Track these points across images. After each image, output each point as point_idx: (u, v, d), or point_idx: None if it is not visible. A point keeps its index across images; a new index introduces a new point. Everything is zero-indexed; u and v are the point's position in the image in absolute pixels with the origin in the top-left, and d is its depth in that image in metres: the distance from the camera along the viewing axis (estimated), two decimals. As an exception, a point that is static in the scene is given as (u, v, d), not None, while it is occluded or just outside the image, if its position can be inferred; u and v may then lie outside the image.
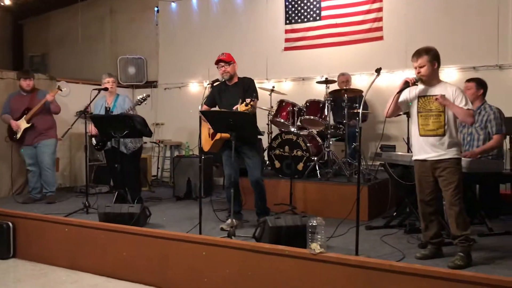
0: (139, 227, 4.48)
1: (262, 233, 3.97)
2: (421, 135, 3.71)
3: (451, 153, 3.58)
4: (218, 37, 8.18)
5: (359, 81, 6.87)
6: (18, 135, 6.09)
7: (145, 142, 6.44)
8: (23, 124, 6.05)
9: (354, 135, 6.15)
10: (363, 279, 3.30)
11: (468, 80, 4.78)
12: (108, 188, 7.09)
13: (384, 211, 5.39)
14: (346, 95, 5.84)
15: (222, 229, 4.62)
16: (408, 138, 5.58)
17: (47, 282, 4.42)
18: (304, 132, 6.03)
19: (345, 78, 6.50)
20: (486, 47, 6.12)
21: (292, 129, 5.92)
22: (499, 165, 4.52)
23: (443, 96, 3.57)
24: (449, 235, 3.80)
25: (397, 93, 3.71)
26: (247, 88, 4.72)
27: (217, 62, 4.81)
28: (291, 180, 5.31)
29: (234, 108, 4.49)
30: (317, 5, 7.32)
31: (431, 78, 3.66)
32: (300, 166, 5.73)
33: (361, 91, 5.95)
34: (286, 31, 7.60)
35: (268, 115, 6.52)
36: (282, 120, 6.04)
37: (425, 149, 3.68)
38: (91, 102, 5.60)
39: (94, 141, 5.85)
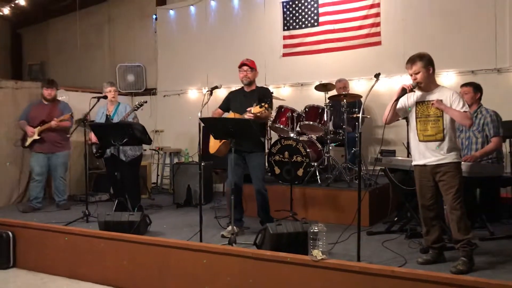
0: (140, 235, 4.47)
1: (263, 240, 3.96)
2: (420, 141, 3.71)
3: (450, 157, 3.59)
4: (217, 43, 8.20)
5: (357, 86, 6.88)
6: (27, 143, 6.20)
7: (145, 150, 6.45)
8: (35, 134, 6.14)
9: (354, 140, 6.14)
10: (366, 285, 3.29)
11: (465, 85, 4.81)
12: (108, 196, 7.07)
13: (385, 216, 5.38)
14: (345, 100, 5.84)
15: (222, 236, 4.61)
16: (407, 143, 5.58)
17: (48, 291, 4.40)
18: (304, 138, 6.03)
19: (342, 84, 6.51)
20: (484, 51, 6.13)
21: (292, 135, 5.92)
22: (499, 168, 4.52)
23: (439, 101, 3.58)
24: (451, 240, 3.80)
25: (395, 100, 3.71)
26: (262, 96, 4.76)
27: (241, 65, 4.86)
28: (291, 186, 5.30)
29: (248, 109, 4.54)
30: (315, 11, 7.34)
31: (427, 84, 3.67)
32: (300, 172, 5.72)
33: (360, 96, 5.95)
34: (284, 37, 7.62)
35: (268, 121, 6.51)
36: (281, 126, 6.03)
37: (424, 154, 3.68)
38: (90, 110, 5.60)
39: (94, 148, 5.85)
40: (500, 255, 3.85)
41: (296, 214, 5.20)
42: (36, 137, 6.12)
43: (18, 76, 10.42)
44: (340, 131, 6.08)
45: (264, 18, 7.83)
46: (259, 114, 4.46)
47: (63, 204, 6.38)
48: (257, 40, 7.82)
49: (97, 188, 7.52)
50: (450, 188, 3.55)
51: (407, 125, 5.32)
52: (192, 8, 8.54)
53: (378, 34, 6.86)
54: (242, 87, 4.96)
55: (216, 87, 4.72)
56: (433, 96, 3.65)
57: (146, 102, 5.73)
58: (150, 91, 8.99)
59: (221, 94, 6.10)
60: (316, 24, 7.34)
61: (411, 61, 3.65)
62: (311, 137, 6.17)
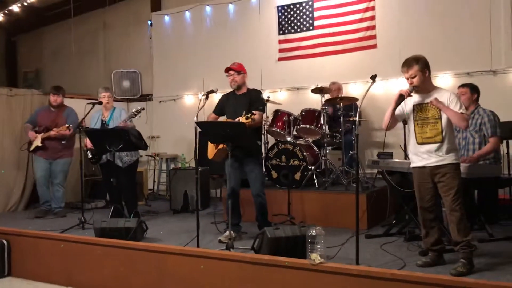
0: (136, 242, 4.42)
1: (261, 245, 3.92)
2: (418, 143, 3.69)
3: (449, 159, 3.57)
4: (212, 49, 8.18)
5: (353, 90, 6.88)
6: (31, 148, 6.23)
7: (141, 156, 6.41)
8: (37, 140, 6.15)
9: (351, 143, 6.13)
10: (365, 289, 3.25)
11: (462, 86, 4.81)
12: (104, 203, 7.03)
13: (383, 219, 5.36)
14: (341, 103, 5.83)
15: (220, 241, 4.57)
16: (405, 145, 5.57)
17: (43, 300, 4.35)
18: (301, 141, 6.01)
19: (336, 87, 6.52)
20: (479, 53, 6.14)
21: (288, 139, 5.90)
22: (497, 169, 4.49)
23: (437, 100, 3.57)
24: (450, 242, 3.77)
25: (393, 107, 3.70)
26: (254, 100, 4.73)
27: (227, 70, 4.81)
28: (288, 190, 5.27)
29: (237, 119, 4.49)
30: (310, 15, 7.34)
31: (424, 86, 3.66)
32: (298, 176, 5.70)
33: (356, 99, 5.94)
34: (280, 42, 7.62)
35: (264, 125, 6.49)
36: (278, 130, 6.02)
37: (423, 156, 3.67)
38: (85, 116, 5.56)
39: (89, 154, 5.81)
40: (500, 257, 3.83)
41: (294, 218, 5.18)
42: (39, 143, 6.15)
43: (13, 83, 10.40)
44: (336, 134, 6.06)
45: (259, 22, 7.82)
46: (248, 124, 4.42)
47: (59, 211, 6.33)
48: (253, 44, 7.82)
49: (93, 195, 7.48)
50: (450, 189, 3.53)
51: (404, 127, 5.32)
52: (187, 14, 8.53)
53: (373, 37, 6.87)
54: (233, 91, 4.92)
55: (212, 91, 4.70)
56: (431, 98, 3.63)
57: (143, 109, 5.66)
58: (146, 97, 8.96)
59: (217, 98, 6.05)
60: (311, 28, 7.34)
61: (407, 64, 3.62)
62: (308, 140, 6.15)
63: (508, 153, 5.35)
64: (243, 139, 4.39)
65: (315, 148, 6.02)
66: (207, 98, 4.60)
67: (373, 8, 6.87)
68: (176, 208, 6.55)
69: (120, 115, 5.82)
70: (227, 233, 4.48)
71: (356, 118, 3.72)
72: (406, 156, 5.33)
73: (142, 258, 4.19)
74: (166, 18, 8.77)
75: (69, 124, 6.00)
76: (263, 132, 6.49)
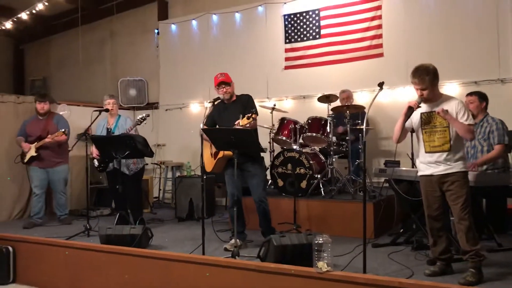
0: (141, 249, 4.40)
1: (267, 253, 3.88)
2: (427, 152, 3.66)
3: (458, 167, 3.54)
4: (218, 57, 8.20)
5: (360, 98, 6.86)
6: (26, 160, 6.14)
7: (147, 164, 6.41)
8: (32, 151, 6.07)
9: (357, 152, 6.10)
10: (372, 298, 3.21)
11: (470, 94, 4.77)
12: (109, 210, 7.02)
13: (390, 228, 5.30)
14: (348, 111, 5.81)
15: (225, 249, 4.54)
16: (412, 154, 5.54)
17: (48, 307, 4.33)
18: (307, 150, 5.98)
19: (346, 95, 6.49)
20: (487, 61, 6.12)
21: (295, 147, 5.87)
22: (505, 178, 4.45)
23: (444, 111, 3.53)
24: (458, 251, 3.73)
25: (403, 120, 3.67)
26: (246, 104, 4.71)
27: (219, 84, 4.77)
28: (294, 199, 5.24)
29: (236, 122, 4.45)
30: (317, 24, 7.36)
31: (433, 96, 3.63)
32: (304, 184, 5.66)
33: (363, 107, 5.92)
34: (286, 50, 7.63)
35: (270, 133, 6.49)
36: (284, 138, 6.00)
37: (431, 164, 3.63)
38: (91, 124, 5.57)
39: (96, 162, 5.80)
40: (509, 267, 3.77)
41: (299, 226, 5.13)
42: (33, 153, 6.06)
43: (20, 91, 10.46)
44: (343, 142, 6.03)
45: (266, 31, 7.85)
46: (247, 125, 4.39)
47: (64, 218, 6.32)
48: (259, 53, 7.84)
49: (99, 203, 7.47)
50: (458, 198, 3.49)
51: (411, 136, 5.28)
52: (194, 22, 8.57)
53: (380, 45, 6.87)
54: (222, 100, 4.85)
55: (218, 99, 4.70)
56: (439, 107, 3.60)
57: (148, 115, 5.70)
58: (152, 105, 8.99)
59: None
60: (318, 36, 7.35)
61: (418, 77, 3.56)
62: (314, 149, 6.13)
63: (516, 162, 5.30)
64: (249, 145, 4.37)
65: (321, 156, 5.99)
66: (213, 105, 4.59)
67: (380, 17, 6.88)
68: (181, 216, 6.53)
69: (126, 123, 5.83)
70: (232, 241, 4.45)
71: (363, 126, 3.69)
72: (413, 165, 5.31)
73: (147, 265, 4.17)
74: (173, 26, 8.82)
75: (61, 129, 5.95)
76: (268, 141, 6.52)
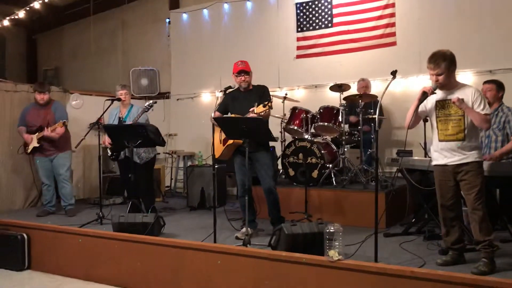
0: (153, 237, 4.43)
1: (278, 241, 3.89)
2: (440, 140, 3.61)
3: (472, 157, 3.49)
4: (230, 46, 8.18)
5: (373, 87, 6.74)
6: (29, 150, 6.10)
7: (158, 153, 6.43)
8: (34, 142, 6.02)
9: (369, 141, 6.07)
10: (384, 286, 3.21)
11: (488, 82, 4.71)
12: (122, 199, 7.07)
13: (402, 218, 5.28)
14: (360, 101, 5.77)
15: (237, 237, 4.56)
16: (425, 143, 5.49)
17: (62, 293, 4.40)
18: (318, 139, 5.96)
19: (365, 84, 6.43)
20: (502, 50, 6.02)
21: (306, 136, 5.85)
22: (520, 168, 4.39)
23: (460, 100, 3.47)
24: (470, 241, 3.70)
25: (417, 104, 3.61)
26: (261, 94, 4.70)
27: (239, 72, 4.76)
28: (306, 188, 5.23)
29: (251, 109, 4.44)
30: (329, 12, 7.29)
31: (449, 83, 3.56)
32: (315, 174, 5.65)
33: (376, 97, 5.88)
34: (298, 39, 7.58)
35: (281, 122, 6.47)
36: (295, 128, 5.98)
37: (445, 154, 3.59)
38: (103, 113, 5.59)
39: (109, 151, 5.83)
40: (523, 257, 3.74)
41: (311, 216, 5.13)
42: (36, 144, 5.99)
43: (33, 81, 10.50)
44: (355, 132, 6.00)
45: (277, 20, 7.80)
46: (262, 113, 4.39)
47: (69, 209, 6.13)
48: (271, 42, 7.80)
49: (111, 191, 7.53)
50: (472, 188, 3.45)
51: (425, 125, 5.24)
52: (205, 11, 8.54)
53: (393, 34, 6.79)
54: (238, 88, 4.87)
55: (229, 87, 4.70)
56: (454, 95, 3.54)
57: (155, 102, 5.71)
58: (164, 95, 9.00)
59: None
60: (330, 25, 7.29)
61: (434, 62, 3.50)
62: (326, 138, 6.10)
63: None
64: (261, 134, 4.37)
65: (333, 146, 5.97)
66: (224, 94, 4.59)
67: (393, 5, 6.79)
68: (193, 205, 6.57)
69: (138, 112, 5.84)
70: (243, 229, 4.47)
71: (376, 116, 3.66)
72: (426, 154, 5.26)
73: (159, 253, 4.21)
74: (184, 16, 8.80)
75: (58, 119, 5.91)
76: (280, 130, 6.50)
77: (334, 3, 7.25)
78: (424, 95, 3.57)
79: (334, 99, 6.24)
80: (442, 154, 3.61)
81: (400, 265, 3.47)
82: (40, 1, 8.27)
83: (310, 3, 7.45)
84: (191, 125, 8.51)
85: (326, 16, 7.31)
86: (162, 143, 5.60)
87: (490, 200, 4.27)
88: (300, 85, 7.56)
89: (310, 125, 5.92)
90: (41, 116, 6.10)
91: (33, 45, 11.46)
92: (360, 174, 5.63)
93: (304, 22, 7.51)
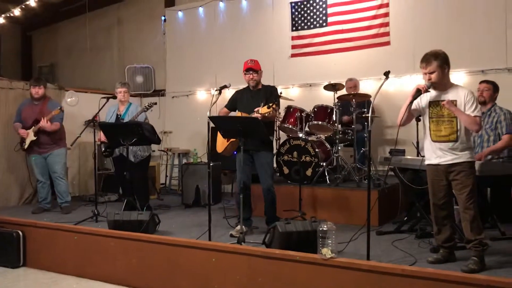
0: (148, 234, 4.47)
1: (272, 239, 3.94)
2: (433, 141, 3.66)
3: (465, 157, 3.54)
4: (225, 44, 8.21)
5: (366, 86, 6.85)
6: (26, 146, 6.08)
7: (154, 151, 6.45)
8: (30, 135, 6.00)
9: (363, 140, 6.12)
10: (375, 284, 3.27)
11: (486, 81, 4.79)
12: (117, 196, 7.09)
13: (395, 216, 5.33)
14: (354, 100, 5.82)
15: (231, 235, 4.60)
16: (417, 142, 5.54)
17: (57, 290, 4.41)
18: (313, 138, 6.01)
19: (352, 84, 6.49)
20: (494, 50, 6.08)
21: (300, 135, 5.90)
22: (510, 167, 4.46)
23: (449, 102, 3.52)
24: (461, 239, 3.76)
25: (410, 102, 3.64)
26: (269, 95, 4.76)
27: (247, 69, 4.82)
28: (300, 186, 5.28)
29: (255, 109, 4.52)
30: (324, 12, 7.33)
31: (442, 83, 3.60)
32: (309, 172, 5.70)
33: (369, 96, 5.93)
34: (293, 38, 7.61)
35: (276, 121, 6.50)
36: (290, 126, 6.02)
37: (437, 153, 3.63)
38: (99, 110, 5.61)
39: (102, 147, 5.85)
40: (512, 255, 3.81)
41: (305, 214, 5.18)
42: (33, 137, 5.96)
43: (28, 78, 10.47)
44: (348, 130, 6.05)
45: (272, 18, 7.83)
46: (267, 114, 4.45)
47: (64, 206, 6.14)
48: (266, 40, 7.83)
49: (106, 189, 7.55)
50: (464, 187, 3.50)
51: (417, 124, 5.29)
52: (201, 9, 8.56)
53: (387, 34, 6.84)
54: (248, 86, 4.96)
55: (225, 86, 4.73)
56: (448, 96, 3.58)
57: (155, 103, 5.74)
58: (159, 93, 9.01)
59: (229, 93, 6.08)
60: (324, 24, 7.33)
61: (426, 60, 3.55)
62: (320, 137, 6.15)
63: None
64: (256, 134, 4.41)
65: (327, 144, 6.02)
66: (220, 93, 4.63)
67: (387, 5, 6.84)
68: (187, 203, 6.60)
69: (136, 110, 5.86)
70: (238, 227, 4.51)
71: (369, 115, 3.71)
72: (418, 153, 5.32)
73: (154, 251, 4.25)
74: (180, 14, 8.80)
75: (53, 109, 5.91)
76: (275, 128, 6.54)
77: (329, 2, 7.28)
78: (418, 92, 3.60)
79: (328, 98, 6.29)
80: (435, 154, 3.66)
81: (391, 263, 3.53)
82: (36, -1, 8.25)
83: (305, 2, 7.49)
84: (186, 122, 8.54)
85: (321, 15, 7.35)
86: (158, 141, 5.64)
87: (481, 199, 4.34)
88: (295, 84, 7.60)
89: (304, 124, 5.97)
90: (35, 111, 6.09)
91: (28, 42, 11.42)
92: (353, 173, 5.69)
93: (299, 21, 7.54)
